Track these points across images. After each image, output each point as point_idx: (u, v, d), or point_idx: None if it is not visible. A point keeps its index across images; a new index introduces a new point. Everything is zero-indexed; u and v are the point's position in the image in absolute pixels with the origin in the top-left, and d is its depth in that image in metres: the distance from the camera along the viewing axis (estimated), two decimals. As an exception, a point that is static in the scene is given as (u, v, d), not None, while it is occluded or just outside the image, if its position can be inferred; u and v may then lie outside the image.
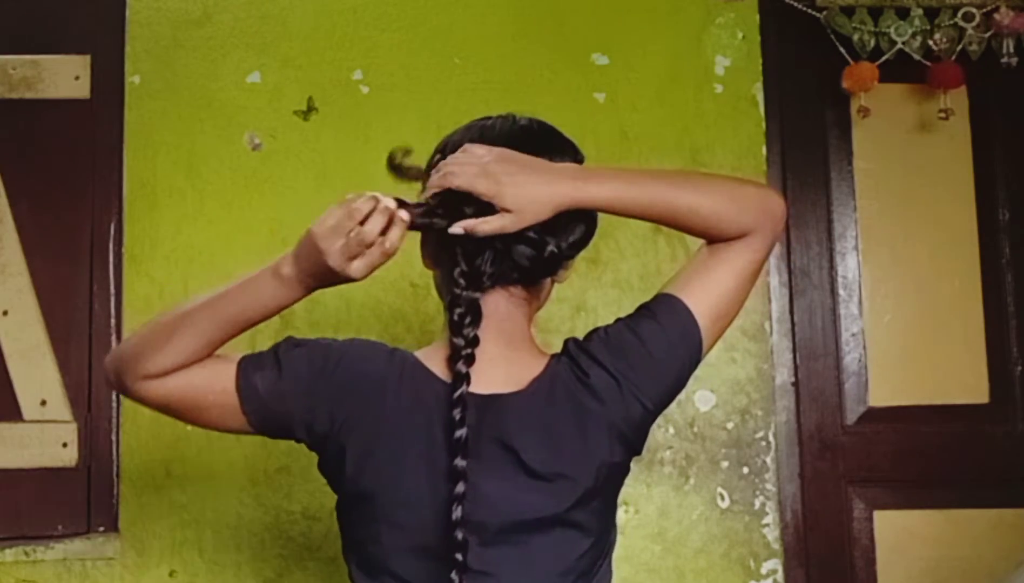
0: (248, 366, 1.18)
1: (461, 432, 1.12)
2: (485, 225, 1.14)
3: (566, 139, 1.27)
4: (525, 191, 1.14)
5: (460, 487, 1.11)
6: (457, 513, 1.10)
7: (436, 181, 1.16)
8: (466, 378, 1.14)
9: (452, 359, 1.16)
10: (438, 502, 1.13)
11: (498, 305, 1.21)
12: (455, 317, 1.17)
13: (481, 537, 1.14)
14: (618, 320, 1.25)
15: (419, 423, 1.16)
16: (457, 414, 1.12)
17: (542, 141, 1.23)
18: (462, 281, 1.17)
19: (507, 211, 1.13)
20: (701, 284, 1.23)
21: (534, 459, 1.15)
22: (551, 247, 1.19)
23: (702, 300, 1.22)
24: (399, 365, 1.20)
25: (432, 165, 1.23)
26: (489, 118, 1.26)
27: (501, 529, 1.15)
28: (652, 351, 1.20)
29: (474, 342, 1.16)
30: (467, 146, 1.18)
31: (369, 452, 1.16)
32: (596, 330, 1.24)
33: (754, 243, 1.22)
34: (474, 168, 1.14)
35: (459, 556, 1.10)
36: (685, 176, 1.29)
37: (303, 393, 1.18)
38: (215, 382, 1.17)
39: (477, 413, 1.15)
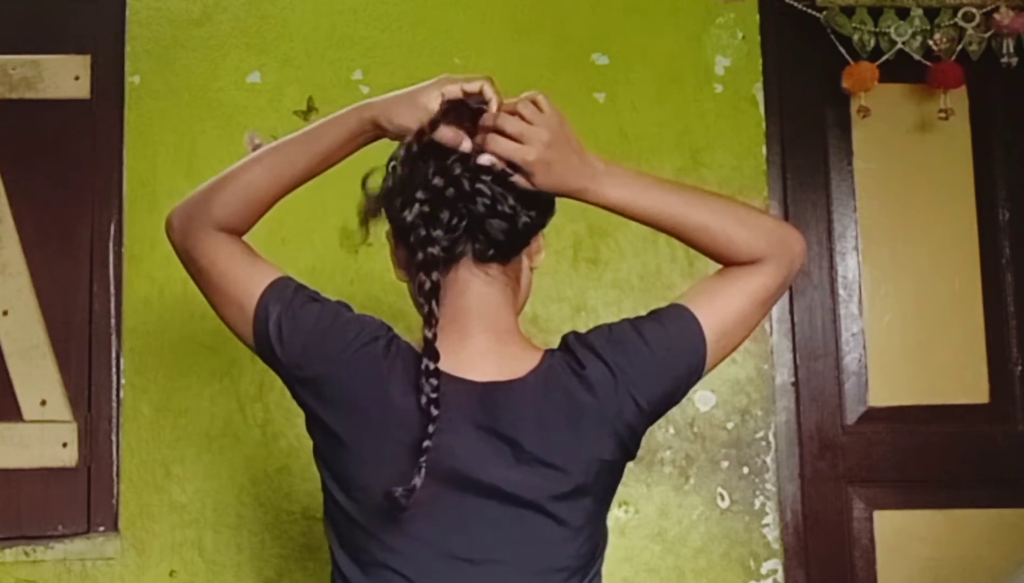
0: (273, 291, 1.20)
1: (431, 405, 1.12)
2: (515, 170, 1.17)
3: None
4: (558, 174, 1.19)
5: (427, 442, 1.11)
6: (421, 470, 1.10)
7: (514, 152, 1.17)
8: (435, 353, 1.14)
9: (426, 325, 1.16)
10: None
11: (479, 289, 1.21)
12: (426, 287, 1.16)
13: (465, 521, 1.15)
14: (624, 320, 1.25)
15: (415, 413, 1.15)
16: (426, 385, 1.13)
17: None
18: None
19: (533, 177, 1.18)
20: (712, 299, 1.25)
21: (529, 443, 1.15)
22: (524, 218, 1.20)
23: (710, 314, 1.24)
24: (396, 352, 1.19)
25: (388, 181, 1.27)
26: None
27: (487, 510, 1.15)
28: (653, 348, 1.20)
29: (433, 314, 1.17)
30: (538, 101, 1.19)
31: (360, 433, 1.16)
32: (600, 326, 1.25)
33: (766, 269, 1.25)
34: (541, 147, 1.17)
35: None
36: (701, 194, 1.30)
37: (301, 344, 1.18)
38: (251, 279, 1.21)
39: (474, 400, 1.16)
